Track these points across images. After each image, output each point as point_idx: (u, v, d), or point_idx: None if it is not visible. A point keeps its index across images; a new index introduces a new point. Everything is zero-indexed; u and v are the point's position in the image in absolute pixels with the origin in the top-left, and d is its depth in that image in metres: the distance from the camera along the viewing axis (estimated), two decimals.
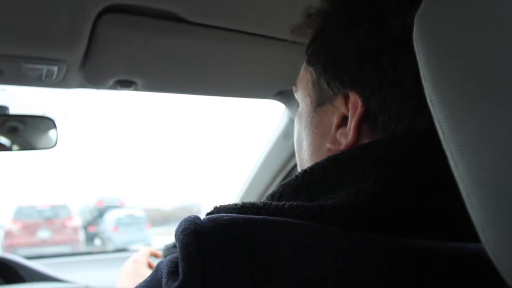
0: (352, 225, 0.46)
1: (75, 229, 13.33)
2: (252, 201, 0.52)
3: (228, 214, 0.47)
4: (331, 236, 0.45)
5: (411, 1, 0.51)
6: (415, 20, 0.42)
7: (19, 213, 12.85)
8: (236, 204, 0.52)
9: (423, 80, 0.41)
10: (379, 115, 0.53)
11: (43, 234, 12.61)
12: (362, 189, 0.49)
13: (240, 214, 0.49)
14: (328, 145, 0.58)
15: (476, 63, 0.36)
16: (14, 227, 12.45)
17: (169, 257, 0.46)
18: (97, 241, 14.82)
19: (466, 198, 0.37)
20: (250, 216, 0.47)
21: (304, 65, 0.65)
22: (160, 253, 1.42)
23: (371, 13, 0.55)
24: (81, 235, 13.38)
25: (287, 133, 1.59)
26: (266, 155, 1.73)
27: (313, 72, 0.61)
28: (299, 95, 0.66)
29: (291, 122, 1.55)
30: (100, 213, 15.62)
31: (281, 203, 0.50)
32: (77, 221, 13.73)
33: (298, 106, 0.68)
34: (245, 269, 0.42)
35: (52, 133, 1.26)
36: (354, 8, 0.57)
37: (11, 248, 11.86)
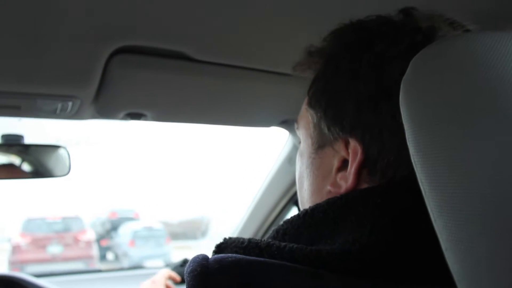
0: (346, 271, 0.48)
1: (88, 244, 12.24)
2: (257, 240, 0.54)
3: (233, 255, 0.49)
4: (325, 279, 0.48)
5: (410, 49, 0.52)
6: (402, 84, 0.46)
7: (28, 226, 11.86)
8: (242, 242, 0.54)
9: (408, 142, 0.45)
10: (378, 161, 0.54)
11: (54, 249, 11.63)
12: (358, 238, 0.50)
13: (245, 254, 0.52)
14: (328, 187, 0.58)
15: (457, 130, 0.40)
16: (23, 242, 11.44)
17: None
18: (110, 256, 13.84)
19: (444, 251, 0.41)
20: (253, 258, 0.49)
21: (305, 106, 0.65)
22: (177, 277, 1.43)
23: (372, 59, 0.55)
24: (95, 250, 12.32)
25: (291, 158, 1.62)
26: (271, 178, 1.76)
27: (314, 115, 0.61)
28: (301, 133, 0.67)
29: (295, 147, 1.58)
30: (114, 226, 14.50)
31: (283, 245, 0.52)
32: (90, 234, 12.65)
33: (299, 142, 0.69)
34: None
35: (65, 161, 1.30)
36: (355, 53, 0.57)
37: (19, 264, 10.81)
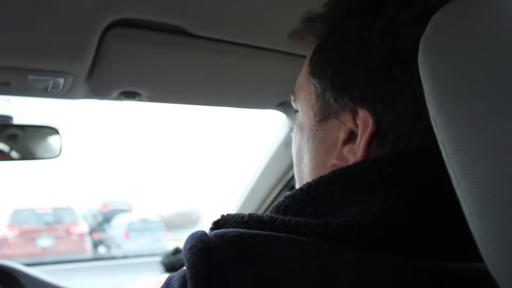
0: (360, 244, 0.46)
1: (81, 236, 11.31)
2: (258, 214, 0.51)
3: (235, 230, 0.46)
4: (340, 253, 0.45)
5: (425, 13, 0.49)
6: (420, 44, 0.44)
7: (16, 217, 10.89)
8: (242, 217, 0.51)
9: (427, 103, 0.43)
10: (390, 132, 0.51)
11: (44, 242, 10.63)
12: (370, 209, 0.47)
13: (246, 228, 0.49)
14: (334, 161, 0.55)
15: (481, 86, 0.38)
16: (10, 234, 10.53)
17: (181, 272, 0.46)
18: (102, 250, 12.88)
19: (468, 216, 0.39)
20: (257, 232, 0.46)
21: (305, 75, 0.61)
22: None
23: (383, 24, 0.52)
24: (89, 244, 11.46)
25: (288, 142, 1.61)
26: (266, 163, 1.74)
27: (317, 85, 0.58)
28: (299, 105, 0.64)
29: (291, 131, 1.57)
30: (106, 218, 13.73)
31: (287, 218, 0.49)
32: (83, 226, 11.74)
33: (295, 113, 0.66)
34: (252, 286, 0.42)
35: (56, 142, 1.27)
36: (365, 18, 0.54)
37: (6, 258, 9.26)
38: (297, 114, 0.65)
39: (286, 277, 0.42)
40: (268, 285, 0.42)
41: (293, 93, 0.66)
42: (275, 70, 1.15)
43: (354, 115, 0.54)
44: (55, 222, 11.21)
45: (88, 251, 11.25)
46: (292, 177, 1.75)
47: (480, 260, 0.40)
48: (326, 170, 0.56)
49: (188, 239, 0.46)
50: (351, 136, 0.55)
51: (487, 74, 0.38)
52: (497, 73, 0.38)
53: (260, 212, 1.88)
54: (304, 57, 0.68)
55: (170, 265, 1.97)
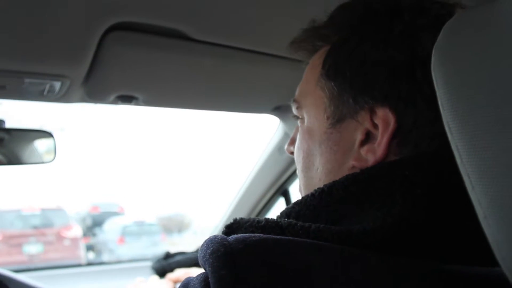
0: (381, 249, 0.46)
1: (74, 242, 9.82)
2: (275, 219, 0.51)
3: (256, 235, 0.46)
4: (363, 259, 0.45)
5: (440, 19, 0.51)
6: (433, 51, 0.44)
7: None
8: (258, 221, 0.51)
9: (441, 109, 0.43)
10: (411, 131, 0.52)
11: (32, 248, 9.18)
12: (389, 212, 0.47)
13: (264, 233, 0.48)
14: (352, 162, 0.56)
15: (495, 93, 0.39)
16: None
17: (201, 276, 0.46)
18: (92, 256, 11.45)
19: (482, 219, 0.39)
20: (280, 237, 0.46)
21: (314, 80, 0.62)
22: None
23: (402, 28, 0.54)
24: (83, 250, 10.07)
25: (281, 146, 1.61)
26: (259, 167, 1.74)
27: (334, 87, 0.58)
28: (305, 111, 0.63)
29: (285, 136, 1.57)
30: (96, 222, 12.70)
31: (307, 224, 0.49)
32: (76, 230, 10.15)
33: (296, 119, 0.66)
34: None
35: (50, 146, 1.26)
36: (381, 23, 0.56)
37: None
38: (299, 121, 0.65)
39: (311, 282, 0.42)
40: None
41: (295, 101, 0.66)
42: (272, 75, 1.15)
43: (372, 115, 0.54)
44: (44, 226, 9.74)
45: (82, 258, 9.92)
46: (285, 182, 1.75)
47: (494, 264, 0.41)
48: (343, 172, 0.56)
49: (207, 244, 0.46)
50: (368, 137, 0.55)
51: (501, 80, 0.39)
52: (511, 79, 0.39)
53: (252, 216, 1.88)
54: (301, 62, 0.69)
55: (161, 270, 1.95)
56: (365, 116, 0.55)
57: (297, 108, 0.65)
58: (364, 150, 0.55)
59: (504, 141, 0.38)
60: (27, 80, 0.98)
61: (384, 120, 0.53)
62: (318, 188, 0.54)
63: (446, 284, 0.44)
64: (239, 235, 0.46)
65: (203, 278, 0.45)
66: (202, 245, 0.47)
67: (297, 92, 0.66)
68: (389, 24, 0.55)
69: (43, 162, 1.25)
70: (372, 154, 0.54)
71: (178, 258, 2.02)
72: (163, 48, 0.95)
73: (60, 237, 9.62)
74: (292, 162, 1.61)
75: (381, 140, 0.53)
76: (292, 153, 0.69)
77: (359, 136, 0.55)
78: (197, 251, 2.06)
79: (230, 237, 0.46)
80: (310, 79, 0.63)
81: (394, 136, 0.53)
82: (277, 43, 1.01)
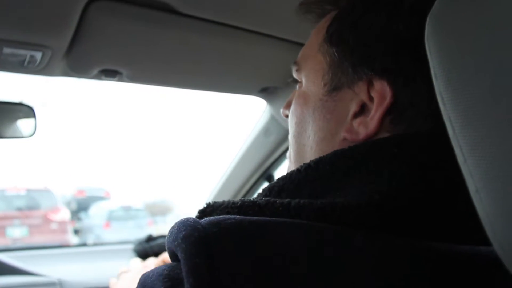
0: (366, 226, 0.44)
1: (62, 225, 9.18)
2: (252, 198, 0.49)
3: (231, 216, 0.43)
4: (348, 237, 0.43)
5: None
6: (428, 20, 0.43)
7: None
8: (233, 202, 0.49)
9: (434, 79, 0.42)
10: (407, 109, 0.51)
11: (16, 231, 8.69)
12: (376, 188, 0.46)
13: (241, 214, 0.46)
14: (343, 134, 0.54)
15: (491, 63, 0.37)
16: None
17: (157, 270, 0.43)
18: (77, 240, 10.66)
19: (474, 193, 0.38)
20: (256, 218, 0.44)
21: (317, 44, 0.60)
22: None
23: (412, 2, 0.52)
24: (71, 234, 9.56)
25: (267, 129, 1.59)
26: (244, 151, 1.72)
27: (334, 53, 0.57)
28: (304, 75, 0.62)
29: (272, 119, 1.55)
30: (81, 206, 12.21)
31: (286, 200, 0.47)
32: (65, 213, 9.53)
33: (295, 83, 0.65)
34: (259, 280, 0.39)
35: (30, 121, 1.22)
36: None
37: None
38: (298, 85, 0.64)
39: (294, 266, 0.40)
40: (274, 275, 0.39)
41: (295, 63, 0.64)
42: (260, 55, 1.14)
43: (369, 87, 0.53)
44: (29, 207, 9.16)
45: (70, 243, 8.68)
46: (270, 166, 1.73)
47: (481, 243, 0.40)
48: (334, 143, 0.55)
49: (179, 227, 0.43)
50: (363, 109, 0.54)
51: (497, 50, 0.37)
52: (507, 50, 0.37)
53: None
54: (293, 42, 0.67)
55: (143, 252, 1.93)
56: (362, 87, 0.54)
57: (297, 70, 0.64)
58: (356, 122, 0.54)
59: (499, 111, 0.36)
60: (6, 50, 0.94)
61: (381, 93, 0.52)
62: (304, 164, 0.53)
63: (434, 263, 0.43)
64: (213, 217, 0.43)
65: (161, 273, 0.42)
66: (173, 227, 0.44)
67: (299, 55, 0.65)
68: None
69: (22, 137, 1.22)
70: (364, 128, 0.53)
71: (160, 241, 2.00)
72: (149, 21, 0.92)
73: (46, 220, 9.09)
74: (278, 146, 1.60)
75: (374, 113, 0.52)
76: (287, 116, 0.67)
77: (353, 107, 0.54)
78: None
79: (203, 220, 0.43)
80: (313, 43, 0.61)
81: (389, 112, 0.52)
82: (268, 21, 0.99)
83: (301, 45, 0.67)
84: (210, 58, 1.11)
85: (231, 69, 1.20)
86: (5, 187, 9.62)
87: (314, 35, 0.62)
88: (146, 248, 1.95)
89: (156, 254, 1.94)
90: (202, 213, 0.51)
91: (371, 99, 0.53)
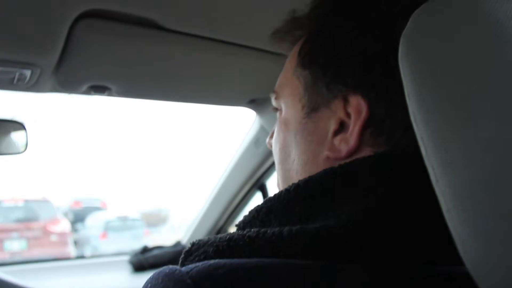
0: (364, 252, 0.44)
1: (62, 237, 8.67)
2: (240, 232, 0.48)
3: (222, 262, 0.41)
4: (350, 273, 0.42)
5: (416, 6, 0.49)
6: (401, 40, 0.44)
7: None
8: (220, 238, 0.47)
9: (407, 98, 0.43)
10: (385, 121, 0.51)
11: (14, 244, 8.17)
12: (371, 208, 0.46)
13: (230, 249, 0.45)
14: (326, 152, 0.54)
15: (462, 83, 0.38)
16: None
17: None
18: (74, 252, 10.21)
19: (446, 212, 0.39)
20: (250, 264, 0.41)
21: (291, 71, 0.61)
22: None
23: (376, 16, 0.53)
24: (72, 246, 9.04)
25: (257, 140, 1.60)
26: (236, 161, 1.73)
27: (308, 75, 0.57)
28: (282, 102, 0.63)
29: (262, 129, 1.56)
30: (78, 217, 12.16)
31: (277, 230, 0.46)
32: (65, 224, 9.05)
33: (276, 111, 0.65)
34: None
35: (21, 137, 1.23)
36: (356, 11, 0.55)
37: None
38: (278, 112, 0.64)
39: None
40: None
41: (274, 92, 0.65)
42: (247, 67, 1.15)
43: (345, 104, 0.54)
44: (28, 219, 8.65)
45: (72, 256, 8.26)
46: (262, 176, 1.74)
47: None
48: (319, 163, 0.55)
49: (163, 281, 0.39)
50: (342, 126, 0.54)
51: (467, 71, 0.39)
52: (477, 70, 0.38)
53: (228, 211, 1.87)
54: (278, 54, 0.68)
55: (138, 264, 1.94)
56: (338, 105, 0.54)
57: (275, 98, 0.65)
58: (337, 140, 0.54)
59: (468, 133, 0.37)
60: None
61: (357, 108, 0.52)
62: (293, 184, 0.53)
63: None
64: (202, 267, 0.40)
65: None
66: (155, 279, 0.41)
67: (277, 84, 0.65)
68: (364, 12, 0.54)
69: (13, 153, 1.22)
70: (345, 144, 0.53)
71: (155, 252, 2.01)
72: (135, 37, 0.93)
73: (46, 232, 8.56)
74: (269, 155, 1.61)
75: (353, 128, 0.52)
76: (272, 146, 0.67)
77: (332, 126, 0.54)
78: (175, 245, 2.04)
79: (189, 269, 0.40)
80: (288, 70, 0.62)
81: (367, 126, 0.52)
82: (253, 34, 1.00)
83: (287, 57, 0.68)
84: (197, 72, 1.12)
85: (219, 82, 1.21)
86: (2, 198, 9.14)
87: (288, 62, 0.63)
88: (141, 260, 1.96)
89: (151, 265, 1.95)
90: (188, 253, 0.49)
91: (348, 115, 0.53)
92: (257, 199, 1.87)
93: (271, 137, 0.68)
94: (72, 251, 8.86)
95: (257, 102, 1.42)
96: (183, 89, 1.24)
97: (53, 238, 8.54)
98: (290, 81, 0.61)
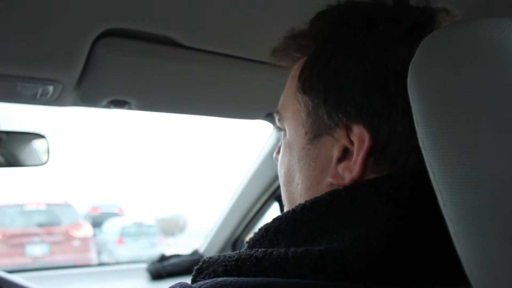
0: (366, 274, 0.45)
1: (84, 242, 8.40)
2: (248, 251, 0.49)
3: (228, 280, 0.43)
4: None
5: (417, 28, 0.51)
6: (410, 68, 0.45)
7: None
8: (229, 257, 0.48)
9: (416, 126, 0.44)
10: (388, 147, 0.51)
11: (36, 249, 7.82)
12: (373, 232, 0.46)
13: (238, 269, 0.47)
14: (329, 179, 0.54)
15: (467, 111, 0.39)
16: None
17: None
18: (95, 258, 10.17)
19: (453, 235, 0.40)
20: (254, 282, 0.43)
21: (293, 93, 0.60)
22: None
23: (376, 40, 0.52)
24: (94, 252, 8.76)
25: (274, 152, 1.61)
26: (253, 172, 1.74)
27: (309, 101, 0.57)
28: (286, 124, 0.62)
29: (278, 141, 1.57)
30: (95, 222, 11.88)
31: (283, 250, 0.47)
32: (87, 229, 8.81)
33: (280, 131, 0.65)
34: None
35: (43, 149, 1.26)
36: (356, 35, 0.54)
37: None
38: (282, 133, 0.64)
39: None
40: None
41: (277, 112, 0.64)
42: (264, 82, 1.16)
43: (348, 131, 0.53)
44: (50, 223, 8.32)
45: (93, 262, 8.34)
46: (279, 187, 1.74)
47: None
48: (322, 189, 0.55)
49: None
50: (346, 153, 0.54)
51: (474, 99, 0.40)
52: (483, 99, 0.39)
53: (245, 221, 1.88)
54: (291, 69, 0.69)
55: (156, 272, 1.96)
56: (341, 133, 0.54)
57: (279, 120, 0.64)
58: (341, 167, 0.53)
59: (473, 159, 0.38)
60: (19, 84, 0.98)
61: (359, 137, 0.52)
62: (299, 204, 0.53)
63: None
64: (210, 284, 0.43)
65: None
66: None
67: (279, 103, 0.65)
68: (363, 36, 0.53)
69: (37, 164, 1.26)
70: (349, 172, 0.52)
71: (173, 260, 2.03)
72: (154, 55, 0.95)
73: (68, 237, 8.27)
74: None
75: (356, 158, 0.52)
76: (278, 162, 0.67)
77: (336, 153, 0.54)
78: (193, 254, 2.06)
79: (199, 285, 0.43)
80: (289, 91, 0.62)
81: (370, 153, 0.51)
82: (268, 50, 1.01)
83: None
84: (214, 87, 1.14)
85: (236, 96, 1.23)
86: (24, 201, 8.72)
87: (289, 83, 0.62)
88: (159, 268, 1.98)
89: (169, 274, 1.97)
90: (199, 270, 0.51)
91: (351, 142, 0.53)
92: (274, 210, 1.88)
93: (278, 152, 0.68)
94: (93, 257, 8.62)
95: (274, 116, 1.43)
96: (200, 103, 1.26)
97: (75, 243, 8.32)
98: (292, 103, 0.60)
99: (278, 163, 0.65)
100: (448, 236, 0.42)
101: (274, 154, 0.72)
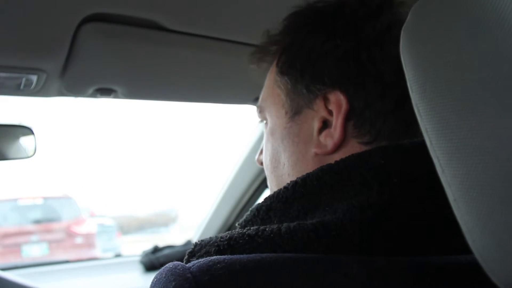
0: (361, 245, 0.45)
1: (88, 239, 7.41)
2: (240, 230, 0.49)
3: (221, 258, 0.43)
4: (347, 266, 0.43)
5: (377, 10, 0.56)
6: (402, 33, 0.44)
7: None
8: (221, 238, 0.49)
9: (410, 92, 0.43)
10: (365, 111, 0.54)
11: (34, 249, 6.81)
12: (366, 201, 0.47)
13: (231, 248, 0.47)
14: (313, 150, 0.57)
15: (464, 74, 0.38)
16: None
17: None
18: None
19: (453, 202, 0.39)
20: (248, 259, 0.43)
21: (272, 82, 0.64)
22: None
23: (344, 21, 0.57)
24: (99, 249, 7.65)
25: None
26: (244, 159, 1.74)
27: (287, 81, 0.61)
28: (267, 113, 0.65)
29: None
30: None
31: (275, 227, 0.47)
32: (91, 224, 7.83)
33: (262, 122, 0.68)
34: None
35: (30, 142, 1.24)
36: (325, 21, 0.59)
37: None
38: (264, 123, 0.67)
39: None
40: None
41: (258, 107, 0.68)
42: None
43: (326, 102, 0.57)
44: (48, 220, 7.29)
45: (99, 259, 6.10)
46: None
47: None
48: (308, 161, 0.57)
49: (167, 276, 0.42)
50: (326, 124, 0.57)
51: (470, 60, 0.39)
52: (480, 60, 0.38)
53: (237, 209, 1.88)
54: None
55: (150, 263, 1.95)
56: (319, 104, 0.57)
57: (260, 112, 0.68)
58: (322, 137, 0.56)
59: (471, 122, 0.37)
60: (2, 75, 0.96)
61: (337, 103, 0.55)
62: (291, 181, 0.54)
63: (440, 279, 0.44)
64: (202, 262, 0.42)
65: None
66: (160, 274, 0.44)
67: (260, 98, 0.69)
68: (332, 19, 0.58)
69: (23, 158, 1.23)
70: (331, 139, 0.55)
71: (166, 251, 2.02)
72: (139, 39, 0.93)
73: (70, 234, 7.23)
74: None
75: (336, 123, 0.55)
76: (261, 163, 0.69)
77: (316, 124, 0.57)
78: (186, 244, 2.05)
79: (192, 265, 0.42)
80: (269, 82, 0.66)
81: (349, 118, 0.55)
82: (255, 32, 1.00)
83: None
84: (202, 71, 1.13)
85: (223, 81, 1.22)
86: (18, 196, 7.48)
87: (268, 77, 0.67)
88: (152, 260, 1.97)
89: (163, 264, 1.96)
90: (191, 253, 0.51)
91: (330, 113, 0.56)
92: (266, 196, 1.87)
93: (261, 153, 0.70)
94: (98, 254, 7.49)
95: None
96: (188, 89, 1.24)
97: (78, 240, 7.29)
98: (272, 91, 0.64)
99: (263, 155, 0.67)
100: (444, 204, 0.42)
101: (257, 157, 0.73)
